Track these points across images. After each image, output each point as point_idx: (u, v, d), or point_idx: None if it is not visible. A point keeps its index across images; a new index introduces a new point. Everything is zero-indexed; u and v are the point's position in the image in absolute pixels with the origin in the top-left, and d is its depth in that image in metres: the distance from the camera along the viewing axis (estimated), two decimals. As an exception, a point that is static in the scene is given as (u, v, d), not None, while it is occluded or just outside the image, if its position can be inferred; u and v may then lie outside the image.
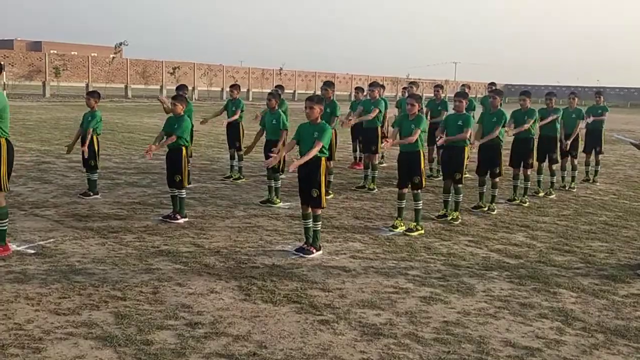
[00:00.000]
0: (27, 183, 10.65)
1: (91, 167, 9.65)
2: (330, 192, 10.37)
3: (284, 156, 9.77)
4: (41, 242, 7.06)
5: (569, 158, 12.51)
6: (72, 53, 60.07)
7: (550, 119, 11.29)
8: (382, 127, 11.87)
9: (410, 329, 5.05)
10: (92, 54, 54.97)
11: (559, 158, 11.95)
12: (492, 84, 14.08)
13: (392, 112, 14.68)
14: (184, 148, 8.37)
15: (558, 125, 11.56)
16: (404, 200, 8.40)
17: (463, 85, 13.76)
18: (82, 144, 9.49)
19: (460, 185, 9.06)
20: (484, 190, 9.95)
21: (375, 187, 11.35)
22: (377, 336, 4.87)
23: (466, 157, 9.14)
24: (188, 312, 5.19)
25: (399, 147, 8.43)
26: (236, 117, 11.67)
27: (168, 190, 8.74)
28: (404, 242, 7.81)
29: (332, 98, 10.57)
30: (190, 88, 41.11)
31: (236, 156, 11.89)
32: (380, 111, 11.18)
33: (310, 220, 7.10)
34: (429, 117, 12.25)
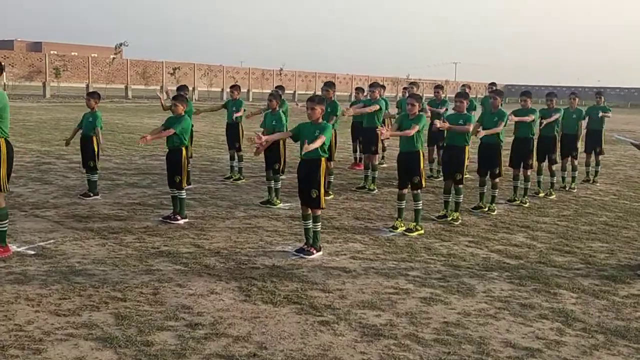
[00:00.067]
0: (27, 184, 10.66)
1: (91, 168, 9.67)
2: (330, 192, 10.39)
3: (284, 157, 9.81)
4: (41, 243, 7.06)
5: (569, 158, 12.50)
6: (73, 54, 60.23)
7: (553, 118, 11.29)
8: (382, 127, 11.82)
9: (410, 329, 5.05)
10: (93, 55, 55.10)
11: (558, 159, 11.95)
12: (493, 84, 14.08)
13: (393, 112, 14.64)
14: (183, 149, 8.37)
15: (557, 126, 11.56)
16: (404, 201, 8.40)
17: (463, 85, 13.74)
18: (98, 144, 9.67)
19: (460, 186, 9.07)
20: (484, 191, 9.95)
21: (375, 187, 11.34)
22: (378, 337, 4.88)
23: (466, 157, 9.15)
24: (188, 313, 5.19)
25: (398, 148, 8.44)
26: (240, 113, 11.71)
27: (168, 191, 8.75)
28: (404, 242, 7.81)
29: (332, 98, 10.59)
30: (190, 88, 41.03)
31: (236, 157, 11.89)
32: (380, 108, 11.16)
33: (310, 221, 7.10)
34: (429, 110, 12.06)
